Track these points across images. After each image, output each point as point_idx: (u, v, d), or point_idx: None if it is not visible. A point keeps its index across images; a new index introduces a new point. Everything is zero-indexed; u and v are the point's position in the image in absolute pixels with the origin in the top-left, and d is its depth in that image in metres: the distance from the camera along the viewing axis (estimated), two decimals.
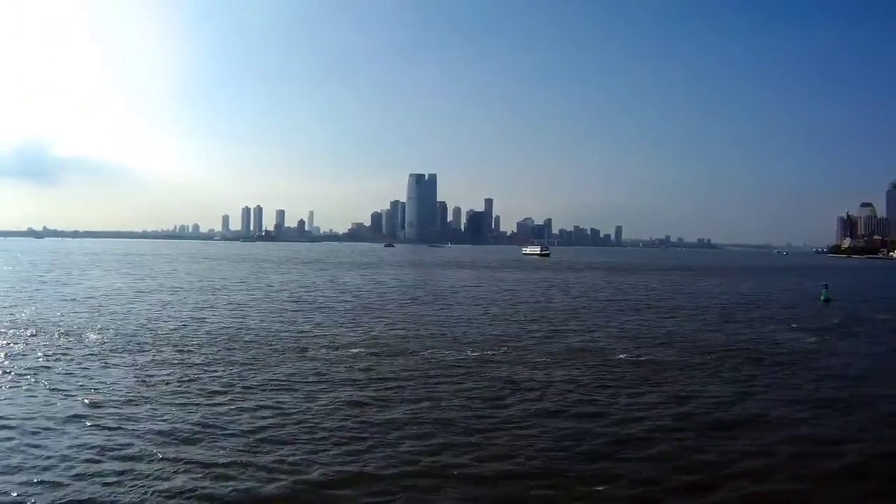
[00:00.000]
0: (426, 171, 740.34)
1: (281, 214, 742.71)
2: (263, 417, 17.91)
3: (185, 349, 28.21)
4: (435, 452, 15.40)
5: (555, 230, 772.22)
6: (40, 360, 25.35)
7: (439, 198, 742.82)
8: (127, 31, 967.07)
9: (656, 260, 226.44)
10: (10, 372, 22.98)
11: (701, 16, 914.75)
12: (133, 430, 16.55)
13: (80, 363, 24.87)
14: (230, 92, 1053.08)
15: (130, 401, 19.38)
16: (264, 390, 21.09)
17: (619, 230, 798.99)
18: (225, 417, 17.87)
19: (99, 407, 18.63)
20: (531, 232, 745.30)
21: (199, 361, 25.60)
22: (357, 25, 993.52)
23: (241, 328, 35.20)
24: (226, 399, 19.90)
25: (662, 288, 77.79)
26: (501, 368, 25.32)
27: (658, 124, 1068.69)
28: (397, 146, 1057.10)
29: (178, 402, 19.39)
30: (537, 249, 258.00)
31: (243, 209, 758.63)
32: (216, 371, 23.86)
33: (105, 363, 24.96)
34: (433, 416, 18.47)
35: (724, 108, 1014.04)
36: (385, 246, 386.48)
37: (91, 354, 26.65)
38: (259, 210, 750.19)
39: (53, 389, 20.59)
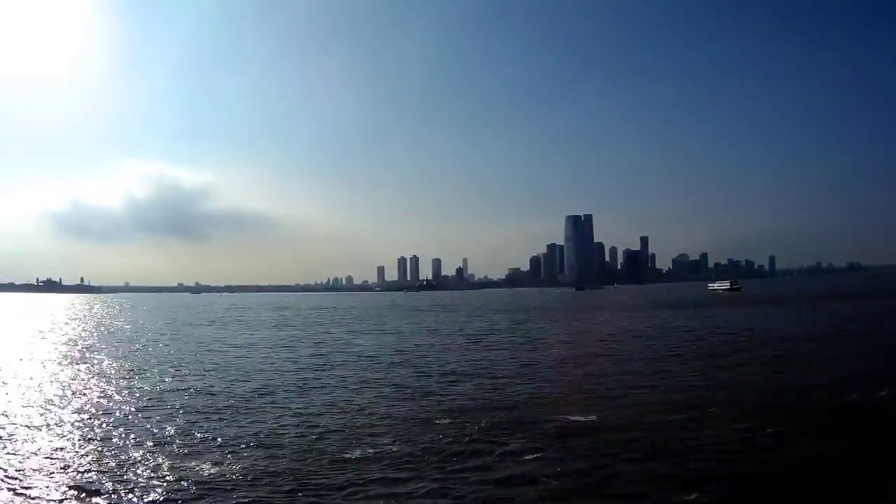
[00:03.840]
0: (580, 212, 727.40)
1: (437, 263, 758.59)
2: None
3: None
4: None
5: (709, 264, 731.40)
6: None
7: (595, 238, 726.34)
8: (274, 86, 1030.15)
9: (838, 286, 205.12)
10: None
11: (860, 26, 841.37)
12: None
13: None
14: (377, 139, 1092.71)
15: None
16: None
17: (772, 260, 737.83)
18: None
19: None
20: (688, 268, 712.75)
21: None
22: (500, 67, 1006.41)
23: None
24: None
25: None
26: None
27: (805, 145, 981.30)
28: (547, 188, 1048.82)
29: None
30: (726, 284, 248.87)
31: (399, 259, 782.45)
32: None
33: None
34: None
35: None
36: (576, 289, 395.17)
37: None
38: (415, 259, 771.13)
39: None
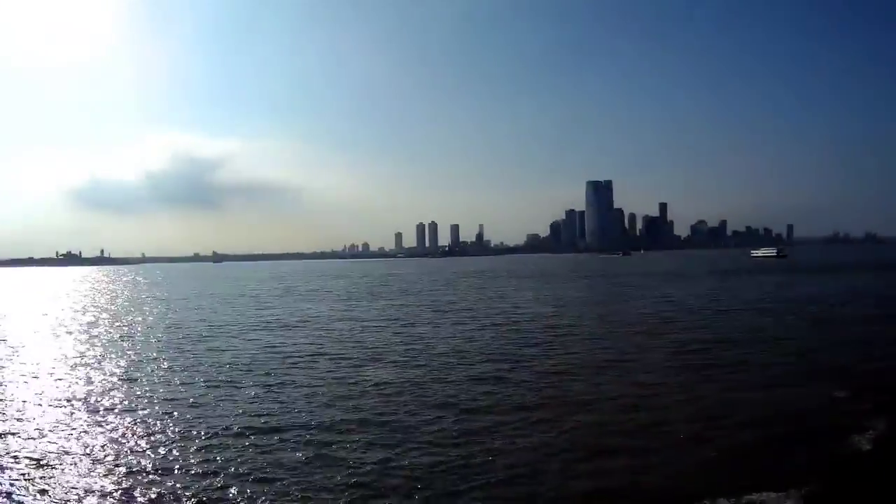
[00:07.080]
0: (600, 178, 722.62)
1: (456, 229, 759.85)
2: None
3: None
4: None
5: (728, 232, 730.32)
6: None
7: (615, 205, 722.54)
8: (294, 56, 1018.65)
9: (873, 257, 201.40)
10: None
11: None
12: None
13: None
14: (395, 109, 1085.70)
15: None
16: None
17: (790, 229, 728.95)
18: None
19: None
20: (706, 235, 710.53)
21: None
22: (520, 35, 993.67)
23: None
24: None
25: None
26: None
27: (823, 115, 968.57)
28: (565, 155, 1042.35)
29: None
30: (772, 251, 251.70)
31: (417, 225, 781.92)
32: None
33: None
34: None
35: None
36: (622, 255, 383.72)
37: None
38: (434, 226, 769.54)
39: None
